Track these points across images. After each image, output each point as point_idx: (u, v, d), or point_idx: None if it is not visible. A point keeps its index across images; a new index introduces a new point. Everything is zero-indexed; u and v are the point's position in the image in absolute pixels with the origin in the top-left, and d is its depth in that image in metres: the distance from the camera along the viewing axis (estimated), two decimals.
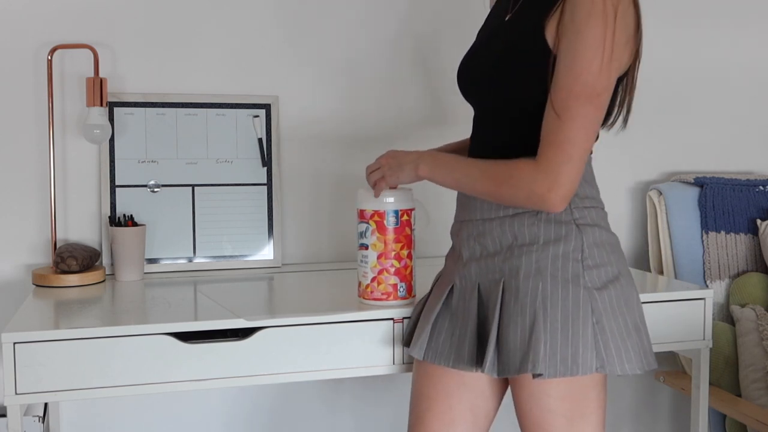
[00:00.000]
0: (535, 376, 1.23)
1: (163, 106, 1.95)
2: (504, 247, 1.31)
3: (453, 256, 1.43)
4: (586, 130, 1.19)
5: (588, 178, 1.31)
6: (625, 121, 1.35)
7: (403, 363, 1.52)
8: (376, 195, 1.46)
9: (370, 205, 1.48)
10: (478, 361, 1.31)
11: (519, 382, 1.28)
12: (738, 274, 2.23)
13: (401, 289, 1.50)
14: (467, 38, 2.14)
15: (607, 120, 1.33)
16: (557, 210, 1.22)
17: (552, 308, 1.24)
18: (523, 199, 1.23)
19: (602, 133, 1.36)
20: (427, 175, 1.36)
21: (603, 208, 1.34)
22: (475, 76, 1.36)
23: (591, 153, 1.34)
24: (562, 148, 1.19)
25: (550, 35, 1.22)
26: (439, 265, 1.60)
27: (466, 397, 1.39)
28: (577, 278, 1.25)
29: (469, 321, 1.33)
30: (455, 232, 1.41)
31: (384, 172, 1.43)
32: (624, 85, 1.30)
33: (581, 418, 1.27)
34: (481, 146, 1.36)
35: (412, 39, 2.14)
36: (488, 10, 1.49)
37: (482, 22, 1.50)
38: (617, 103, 1.32)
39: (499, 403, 1.42)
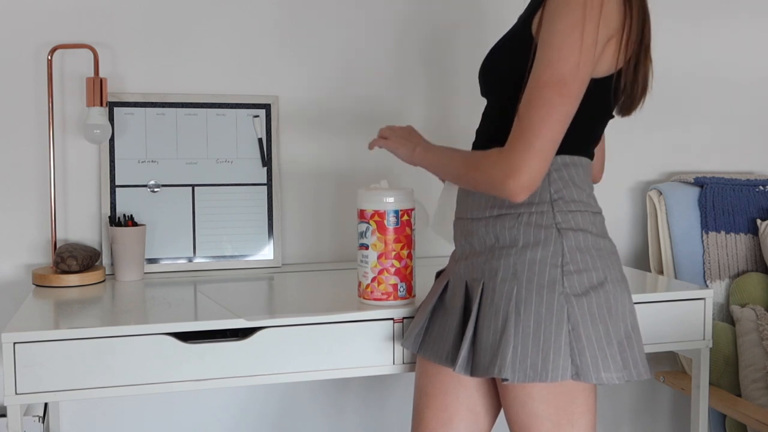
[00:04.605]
0: (503, 380, 1.22)
1: (163, 106, 1.95)
2: (487, 248, 1.30)
3: (453, 252, 1.44)
4: (551, 119, 1.17)
5: (578, 182, 1.29)
6: (625, 110, 1.33)
7: (404, 363, 1.52)
8: (370, 147, 1.49)
9: (370, 205, 1.48)
10: (455, 359, 1.31)
11: (503, 386, 1.28)
12: (738, 274, 2.23)
13: (401, 289, 1.50)
14: (475, 39, 2.15)
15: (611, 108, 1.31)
16: (517, 199, 1.19)
17: (525, 313, 1.22)
18: (486, 184, 1.23)
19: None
20: (420, 159, 1.41)
21: (596, 213, 1.31)
22: (480, 71, 1.38)
23: (590, 158, 1.33)
24: (525, 136, 1.18)
25: (534, 27, 1.23)
26: (439, 264, 1.60)
27: (463, 395, 1.39)
28: (553, 284, 1.23)
29: (454, 319, 1.34)
30: (453, 229, 1.42)
31: (389, 136, 1.47)
32: (623, 79, 1.27)
33: (568, 423, 1.25)
34: (478, 138, 1.37)
35: (416, 38, 2.14)
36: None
37: (493, 21, 1.51)
38: (621, 96, 1.29)
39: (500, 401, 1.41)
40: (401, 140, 1.45)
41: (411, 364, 1.52)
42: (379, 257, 1.48)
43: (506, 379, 1.21)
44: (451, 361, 1.32)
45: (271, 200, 2.01)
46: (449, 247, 1.48)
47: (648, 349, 1.59)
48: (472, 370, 1.27)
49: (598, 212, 1.32)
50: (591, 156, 1.33)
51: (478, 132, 1.38)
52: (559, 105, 1.17)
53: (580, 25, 1.16)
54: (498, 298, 1.25)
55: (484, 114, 1.38)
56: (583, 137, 1.30)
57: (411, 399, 1.54)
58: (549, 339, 1.21)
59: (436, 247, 2.11)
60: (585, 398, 1.26)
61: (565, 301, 1.22)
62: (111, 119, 1.91)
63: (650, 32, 1.28)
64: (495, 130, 1.30)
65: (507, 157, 1.19)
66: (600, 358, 1.21)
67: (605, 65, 1.24)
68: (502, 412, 1.40)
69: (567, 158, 1.28)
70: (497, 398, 1.40)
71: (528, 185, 1.18)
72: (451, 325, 1.34)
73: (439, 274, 1.49)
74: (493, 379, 1.38)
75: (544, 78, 1.17)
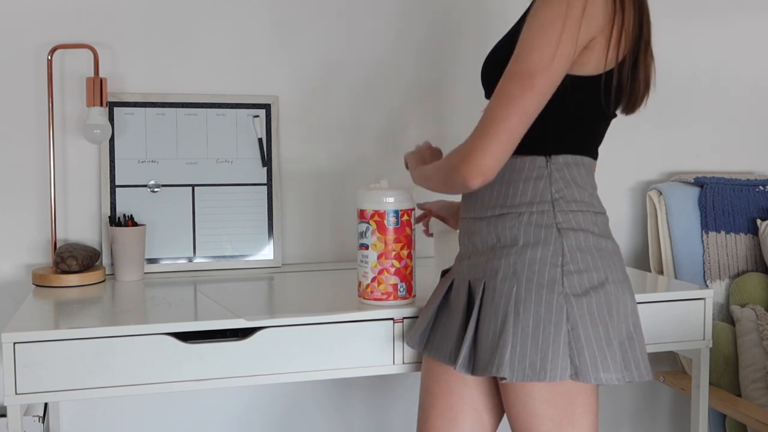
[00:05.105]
0: (501, 379, 1.22)
1: (163, 106, 1.95)
2: (488, 247, 1.31)
3: (459, 252, 1.44)
4: (507, 109, 1.18)
5: (580, 182, 1.29)
6: (629, 109, 1.32)
7: (404, 363, 1.52)
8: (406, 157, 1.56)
9: (370, 205, 1.48)
10: (457, 358, 1.31)
11: (505, 385, 1.28)
12: (738, 274, 2.23)
13: (401, 289, 1.50)
14: (482, 37, 2.15)
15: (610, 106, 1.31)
16: (469, 184, 1.21)
17: (524, 312, 1.22)
18: (447, 174, 1.27)
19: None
20: (414, 179, 1.46)
21: (599, 213, 1.31)
22: (481, 72, 1.38)
23: (593, 158, 1.32)
24: (482, 123, 1.20)
25: None
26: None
27: (468, 394, 1.39)
28: (552, 283, 1.23)
29: (457, 318, 1.34)
30: (459, 229, 1.42)
31: (412, 156, 1.52)
32: (616, 78, 1.26)
33: (569, 423, 1.25)
34: None
35: (419, 37, 2.14)
36: None
37: (497, 20, 1.52)
38: (618, 91, 1.28)
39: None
40: (413, 160, 1.51)
41: (411, 364, 1.52)
42: (379, 257, 1.48)
43: (504, 378, 1.21)
44: (453, 360, 1.32)
45: (271, 200, 2.01)
46: None
47: (648, 349, 1.58)
48: (473, 369, 1.27)
49: (601, 212, 1.31)
50: (594, 156, 1.33)
51: None
52: (520, 97, 1.18)
53: (557, 21, 1.17)
54: (498, 297, 1.25)
55: None
56: (583, 136, 1.30)
57: (415, 399, 1.54)
58: (548, 339, 1.21)
59: None
60: (586, 398, 1.26)
61: (565, 301, 1.22)
62: (111, 119, 1.91)
63: (650, 29, 1.27)
64: None
65: (463, 145, 1.23)
66: (599, 359, 1.21)
67: (594, 63, 1.23)
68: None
69: (569, 158, 1.28)
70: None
71: (480, 170, 1.20)
72: (455, 324, 1.34)
73: (444, 273, 1.49)
74: (497, 379, 1.38)
75: (512, 70, 1.19)
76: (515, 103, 1.18)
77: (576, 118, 1.27)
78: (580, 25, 1.18)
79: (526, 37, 1.19)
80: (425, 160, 1.48)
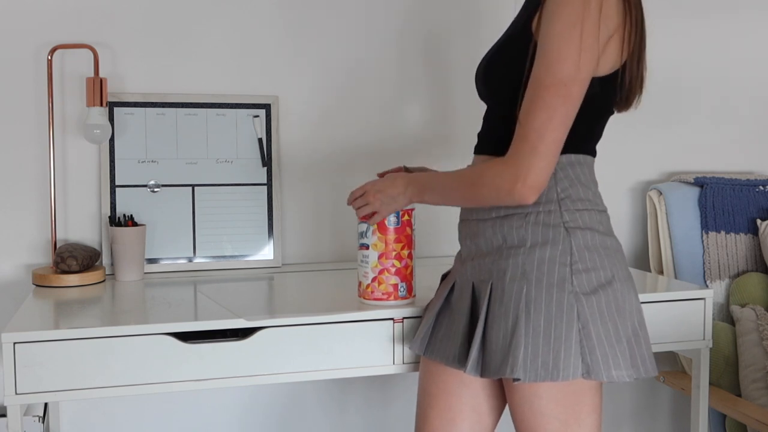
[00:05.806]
0: (514, 380, 1.22)
1: (163, 106, 1.95)
2: (494, 249, 1.30)
3: (458, 254, 1.44)
4: (553, 121, 1.17)
5: (584, 180, 1.29)
6: (624, 106, 1.33)
7: (404, 363, 1.52)
8: (372, 223, 1.46)
9: None
10: (465, 360, 1.31)
11: (511, 385, 1.28)
12: (738, 274, 2.23)
13: (402, 289, 1.50)
14: (478, 37, 2.15)
15: (612, 105, 1.32)
16: (527, 201, 1.20)
17: (535, 312, 1.23)
18: (493, 195, 1.23)
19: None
20: (419, 200, 1.39)
21: (602, 211, 1.32)
22: (478, 73, 1.38)
23: (593, 156, 1.33)
24: (528, 139, 1.18)
25: (534, 26, 1.23)
26: (440, 264, 1.60)
27: (467, 394, 1.39)
28: (562, 282, 1.23)
29: (462, 320, 1.34)
30: (459, 231, 1.42)
31: (377, 209, 1.43)
32: (628, 75, 1.27)
33: (576, 422, 1.25)
34: (481, 142, 1.37)
35: (417, 38, 2.14)
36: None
37: (495, 19, 1.50)
38: (623, 92, 1.29)
39: (505, 401, 1.41)
40: (389, 205, 1.42)
41: (411, 364, 1.52)
42: (379, 257, 1.48)
43: (518, 379, 1.21)
44: (460, 363, 1.32)
45: (271, 200, 2.01)
46: (450, 247, 1.48)
47: None
48: (482, 370, 1.27)
49: (604, 210, 1.32)
50: (594, 154, 1.33)
51: (481, 135, 1.38)
52: (561, 107, 1.17)
53: (578, 25, 1.17)
54: (507, 298, 1.25)
55: (485, 117, 1.38)
56: (587, 135, 1.31)
57: (414, 399, 1.54)
58: (560, 338, 1.21)
59: (437, 247, 2.11)
60: (592, 397, 1.27)
61: (575, 299, 1.22)
62: (111, 119, 1.91)
63: (645, 28, 1.29)
64: (501, 133, 1.30)
65: (512, 164, 1.20)
66: (610, 356, 1.22)
67: (609, 63, 1.24)
68: (506, 411, 1.40)
69: (572, 157, 1.28)
70: (501, 398, 1.41)
71: (537, 186, 1.19)
72: (459, 326, 1.34)
73: (444, 276, 1.49)
74: (499, 379, 1.38)
75: (546, 81, 1.18)
76: (558, 115, 1.17)
77: (580, 118, 1.27)
78: (599, 26, 1.18)
79: (550, 47, 1.18)
80: (395, 184, 1.40)
